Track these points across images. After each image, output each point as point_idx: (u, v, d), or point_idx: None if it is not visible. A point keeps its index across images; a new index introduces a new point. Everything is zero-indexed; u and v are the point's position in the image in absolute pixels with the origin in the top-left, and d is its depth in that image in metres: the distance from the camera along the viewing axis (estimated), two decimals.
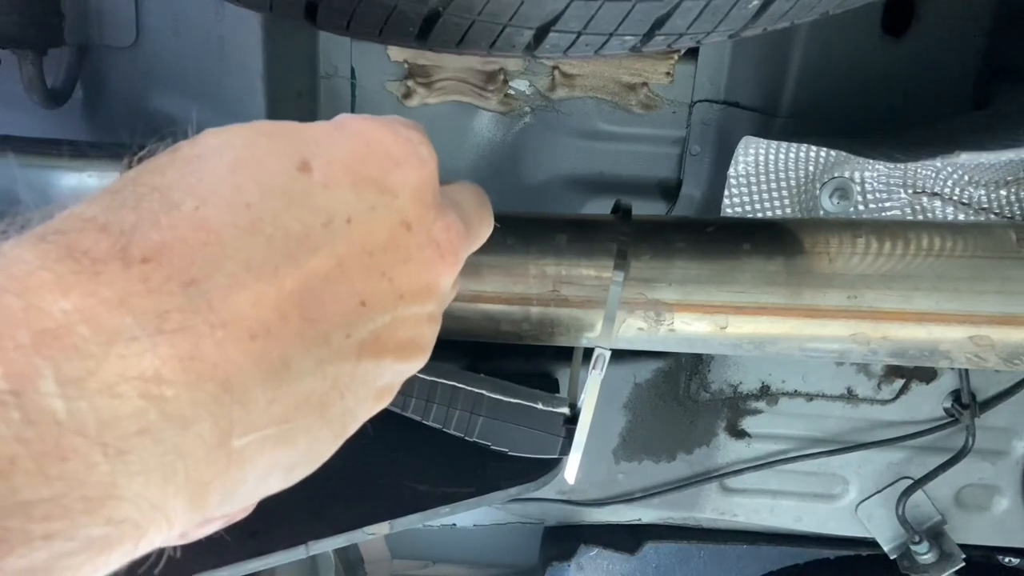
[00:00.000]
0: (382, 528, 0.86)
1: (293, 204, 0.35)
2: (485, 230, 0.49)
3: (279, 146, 0.37)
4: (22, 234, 0.30)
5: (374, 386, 0.38)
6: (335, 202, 0.36)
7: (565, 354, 0.76)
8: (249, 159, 0.35)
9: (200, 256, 0.31)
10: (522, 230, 0.65)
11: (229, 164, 0.35)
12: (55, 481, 0.25)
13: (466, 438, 0.72)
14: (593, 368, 0.60)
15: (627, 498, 1.17)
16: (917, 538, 1.12)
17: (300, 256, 0.34)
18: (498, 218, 0.67)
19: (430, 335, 0.42)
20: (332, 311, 0.35)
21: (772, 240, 0.64)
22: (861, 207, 0.88)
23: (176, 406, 0.28)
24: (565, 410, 0.67)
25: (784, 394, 1.09)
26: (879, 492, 1.14)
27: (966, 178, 0.85)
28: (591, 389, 0.60)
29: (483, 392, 0.70)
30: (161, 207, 0.32)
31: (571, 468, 0.62)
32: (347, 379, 0.36)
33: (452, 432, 0.72)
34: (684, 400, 1.10)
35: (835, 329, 0.62)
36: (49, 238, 0.29)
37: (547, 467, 0.89)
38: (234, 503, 0.33)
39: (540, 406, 0.68)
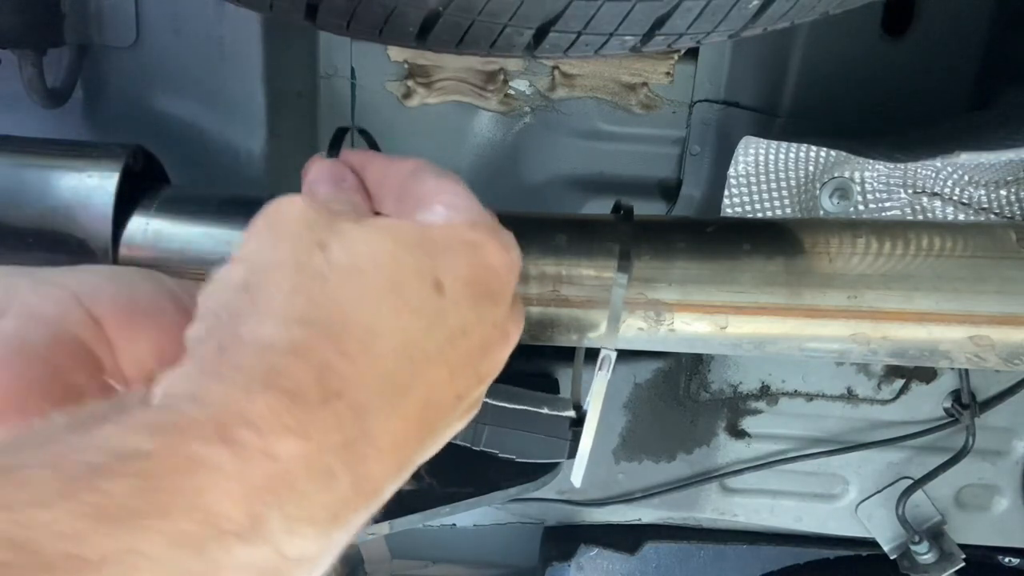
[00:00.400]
0: (382, 528, 0.86)
1: (432, 326, 0.41)
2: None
3: (418, 264, 0.42)
4: (239, 356, 0.35)
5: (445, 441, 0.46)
6: (459, 320, 0.42)
7: (565, 354, 0.76)
8: (399, 280, 0.40)
9: (371, 388, 0.37)
10: (522, 230, 0.65)
11: (385, 286, 0.40)
12: None
13: (473, 447, 0.72)
14: (599, 369, 0.60)
15: (627, 498, 1.17)
16: (917, 538, 1.12)
17: (429, 373, 0.40)
18: (498, 218, 0.67)
19: (489, 384, 0.49)
20: (441, 414, 0.42)
21: (772, 240, 0.64)
22: (861, 207, 0.88)
23: (349, 523, 0.35)
24: (571, 413, 0.66)
25: (784, 394, 1.09)
26: (879, 492, 1.14)
27: (966, 178, 0.85)
28: (597, 391, 0.60)
29: (487, 399, 0.70)
30: (346, 335, 0.37)
31: (578, 471, 0.62)
32: (434, 451, 0.44)
33: (459, 443, 0.71)
34: (684, 400, 1.11)
35: (835, 329, 0.62)
36: (275, 381, 0.34)
37: (547, 467, 0.89)
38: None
39: (545, 411, 0.68)
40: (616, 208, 0.66)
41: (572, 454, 0.65)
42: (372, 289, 0.39)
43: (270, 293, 0.38)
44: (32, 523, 0.27)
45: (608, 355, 0.58)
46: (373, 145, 0.61)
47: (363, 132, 0.60)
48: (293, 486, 0.32)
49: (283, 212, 0.42)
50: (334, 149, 0.54)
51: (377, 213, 0.51)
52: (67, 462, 0.29)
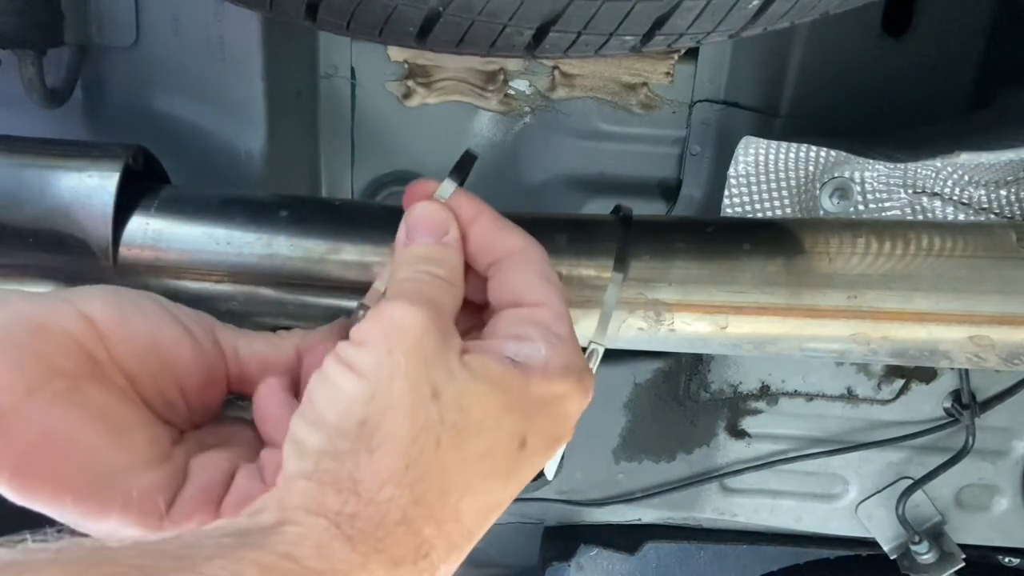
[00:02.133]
0: None
1: (510, 482, 0.46)
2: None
3: (514, 428, 0.45)
4: (356, 526, 0.40)
5: None
6: (530, 469, 0.47)
7: None
8: (496, 444, 0.44)
9: (451, 546, 0.42)
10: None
11: (483, 451, 0.44)
12: None
13: None
14: (587, 362, 0.59)
15: (627, 498, 1.17)
16: (917, 538, 1.12)
17: (495, 509, 0.46)
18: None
19: None
20: (492, 520, 0.47)
21: (772, 240, 0.64)
22: (861, 207, 0.88)
23: None
24: None
25: (784, 394, 1.09)
26: (879, 492, 1.14)
27: (966, 178, 0.85)
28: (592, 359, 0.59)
29: None
30: (439, 502, 0.42)
31: (550, 464, 0.61)
32: None
33: None
34: (684, 400, 1.11)
35: (835, 329, 0.62)
36: (384, 549, 0.40)
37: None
38: None
39: None
40: (616, 211, 0.66)
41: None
42: (473, 454, 0.43)
43: (388, 447, 0.41)
44: None
45: (596, 349, 0.58)
46: (467, 166, 0.56)
47: (469, 153, 0.57)
48: None
49: (405, 331, 0.44)
50: (459, 173, 0.53)
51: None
52: None
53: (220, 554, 0.35)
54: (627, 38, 0.56)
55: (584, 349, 0.61)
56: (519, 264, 0.51)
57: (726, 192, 0.88)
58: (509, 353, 0.47)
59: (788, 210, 0.89)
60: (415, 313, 0.44)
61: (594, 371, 0.57)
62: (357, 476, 0.41)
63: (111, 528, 0.44)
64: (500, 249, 0.52)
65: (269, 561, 0.36)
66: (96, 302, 0.47)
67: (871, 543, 1.18)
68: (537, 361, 0.47)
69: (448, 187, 0.53)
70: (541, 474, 0.93)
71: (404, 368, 0.43)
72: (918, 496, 1.13)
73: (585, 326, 0.62)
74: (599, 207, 1.11)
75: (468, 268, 0.53)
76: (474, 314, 0.54)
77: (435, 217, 0.52)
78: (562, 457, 0.60)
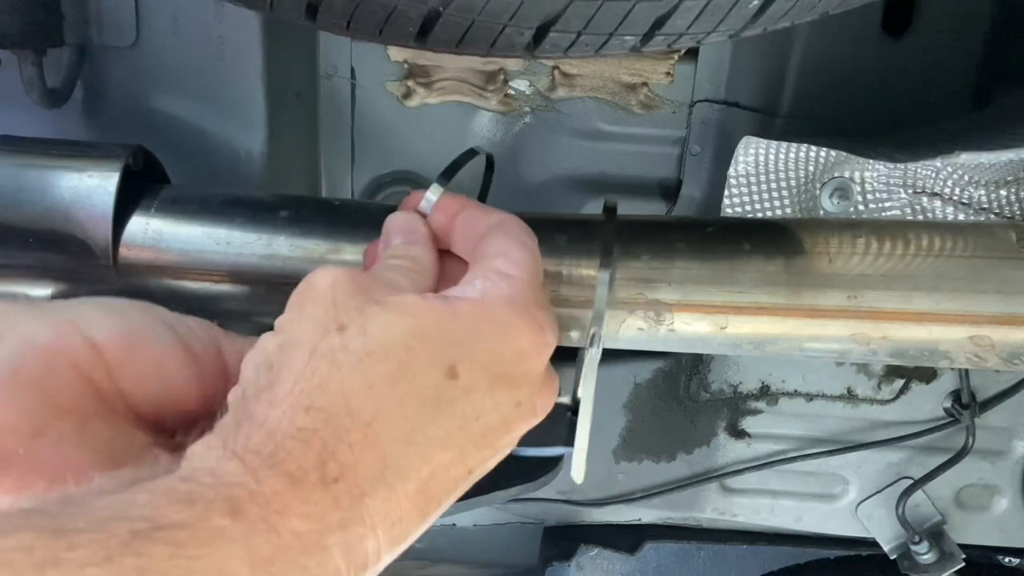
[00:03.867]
0: None
1: (440, 413, 0.43)
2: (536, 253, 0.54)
3: (432, 352, 0.44)
4: (250, 435, 0.39)
5: None
6: (472, 405, 0.44)
7: (565, 353, 0.76)
8: (408, 368, 0.43)
9: (370, 472, 0.40)
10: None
11: (393, 371, 0.42)
12: None
13: None
14: (589, 346, 0.59)
15: (627, 498, 1.17)
16: (917, 538, 1.12)
17: (436, 456, 0.43)
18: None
19: (509, 450, 0.51)
20: (448, 488, 0.44)
21: (772, 240, 0.63)
22: (861, 207, 0.88)
23: None
24: (566, 399, 0.66)
25: (784, 394, 1.09)
26: (879, 492, 1.14)
27: (966, 178, 0.85)
28: (588, 369, 0.59)
29: None
30: (347, 422, 0.40)
31: (577, 464, 0.61)
32: (440, 513, 0.46)
33: None
34: (684, 400, 1.10)
35: (835, 329, 0.62)
36: (281, 463, 0.38)
37: (547, 467, 0.88)
38: None
39: None
40: (604, 208, 0.66)
41: (570, 440, 0.64)
42: (379, 377, 0.42)
43: (285, 375, 0.42)
44: None
45: (597, 331, 0.58)
46: (491, 166, 0.62)
47: (488, 156, 0.62)
48: (295, 560, 0.36)
49: (315, 285, 0.45)
50: (447, 176, 0.56)
51: (443, 251, 0.54)
52: (111, 527, 0.33)
53: (114, 489, 0.36)
54: (627, 38, 0.56)
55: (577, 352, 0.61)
56: (492, 231, 0.52)
57: (726, 192, 0.88)
58: (443, 292, 0.48)
59: (788, 210, 0.89)
60: (328, 268, 0.46)
61: (597, 356, 0.57)
62: (254, 407, 0.41)
63: None
64: (481, 228, 0.53)
65: (162, 486, 0.36)
66: (103, 328, 0.47)
67: (871, 543, 1.18)
68: (470, 294, 0.47)
69: (435, 190, 0.56)
70: (557, 466, 0.92)
71: (310, 312, 0.44)
72: (918, 496, 1.13)
73: (587, 326, 0.62)
74: (599, 207, 1.11)
75: (459, 262, 0.55)
76: None
77: (402, 221, 0.55)
78: (585, 456, 0.59)
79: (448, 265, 0.55)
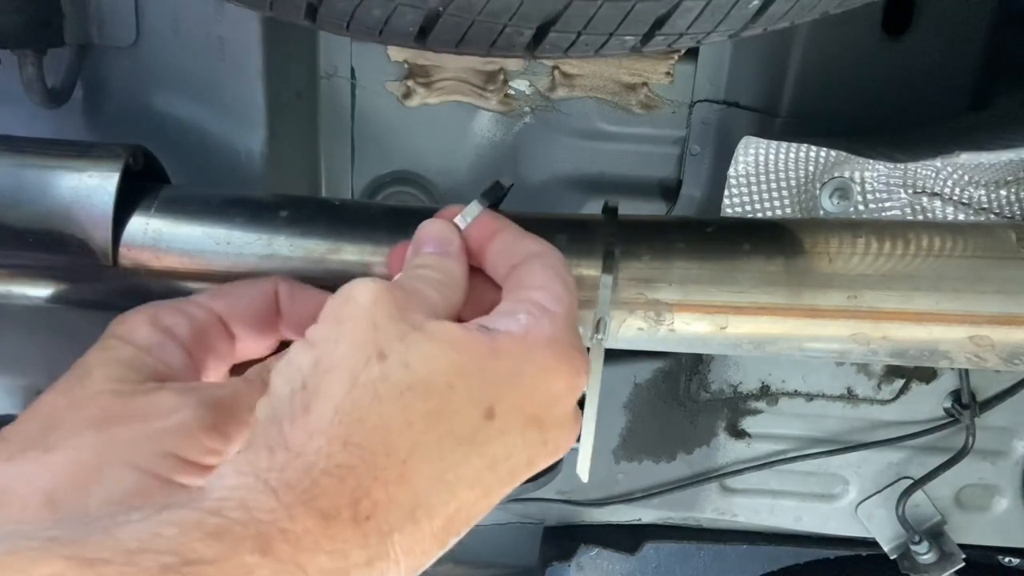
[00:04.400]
0: None
1: (473, 453, 0.43)
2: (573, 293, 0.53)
3: (473, 392, 0.43)
4: (283, 466, 0.39)
5: None
6: (504, 447, 0.44)
7: None
8: (447, 407, 0.42)
9: (400, 512, 0.40)
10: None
11: (433, 410, 0.42)
12: None
13: None
14: (595, 333, 0.59)
15: (627, 498, 1.16)
16: (917, 538, 1.12)
17: (463, 494, 0.43)
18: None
19: None
20: (467, 522, 0.44)
21: (772, 240, 0.63)
22: (861, 207, 0.88)
23: None
24: None
25: (784, 394, 1.09)
26: (879, 492, 1.14)
27: (966, 178, 0.85)
28: (594, 357, 0.58)
29: None
30: (383, 460, 0.40)
31: (583, 461, 0.61)
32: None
33: None
34: (684, 400, 1.10)
35: (835, 329, 0.62)
36: (313, 500, 0.38)
37: (549, 466, 0.88)
38: None
39: None
40: (604, 209, 0.66)
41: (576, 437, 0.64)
42: (419, 414, 0.41)
43: (323, 403, 0.41)
44: None
45: (604, 318, 0.57)
46: (496, 192, 0.59)
47: (499, 183, 0.60)
48: None
49: (355, 301, 0.44)
50: (487, 198, 0.55)
51: (474, 268, 0.53)
52: (140, 560, 0.33)
53: (142, 518, 0.35)
54: (627, 38, 0.56)
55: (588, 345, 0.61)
56: (532, 261, 0.51)
57: (726, 192, 0.88)
58: (483, 321, 0.47)
59: (788, 210, 0.89)
60: (369, 284, 0.45)
61: (603, 345, 0.57)
62: (289, 433, 0.40)
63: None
64: (519, 255, 0.52)
65: (191, 518, 0.35)
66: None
67: (871, 543, 1.18)
68: (513, 328, 0.46)
69: (474, 208, 0.55)
70: (557, 465, 0.91)
71: (350, 332, 0.43)
72: (918, 496, 1.13)
73: (588, 326, 0.62)
74: (599, 207, 1.11)
75: (487, 281, 0.54)
76: None
77: (438, 230, 0.53)
78: (590, 455, 0.59)
79: (477, 284, 0.54)
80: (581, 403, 0.61)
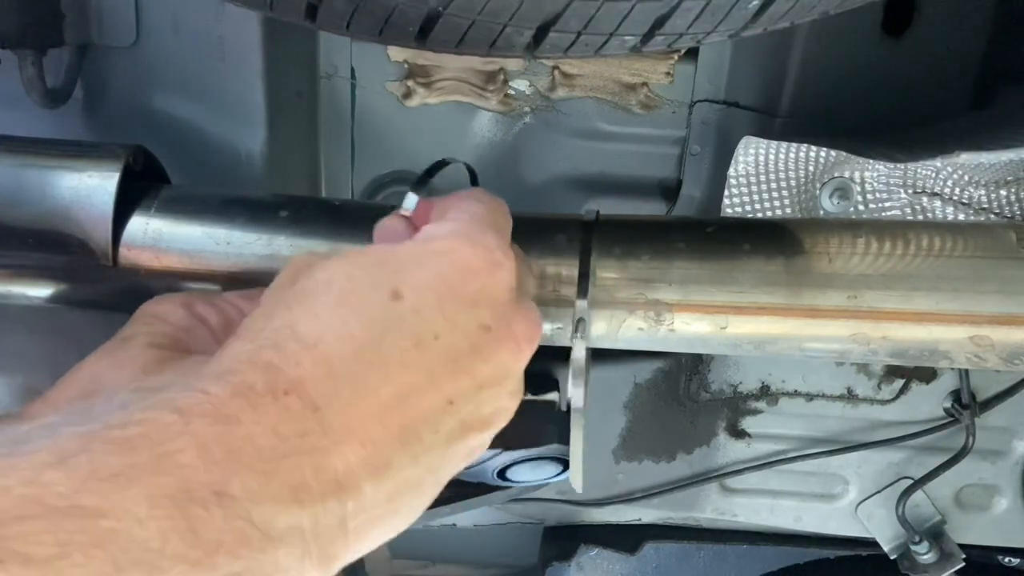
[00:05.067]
0: None
1: (388, 331, 0.43)
2: (508, 227, 0.55)
3: (374, 278, 0.45)
4: (206, 369, 0.41)
5: (463, 456, 0.48)
6: (423, 324, 0.44)
7: (566, 354, 0.76)
8: (350, 293, 0.44)
9: (321, 386, 0.41)
10: (522, 230, 0.65)
11: (336, 299, 0.44)
12: (242, 560, 0.36)
13: None
14: (575, 333, 0.59)
15: (627, 498, 1.16)
16: (917, 538, 1.12)
17: (395, 375, 0.43)
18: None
19: (511, 404, 0.50)
20: (424, 414, 0.44)
21: (772, 240, 0.64)
22: (861, 207, 0.88)
23: (311, 506, 0.38)
24: (554, 396, 0.66)
25: (784, 394, 1.09)
26: (879, 492, 1.14)
27: (966, 178, 0.85)
28: (576, 360, 0.58)
29: None
30: (293, 345, 0.42)
31: (574, 469, 0.61)
32: (438, 462, 0.45)
33: None
34: (684, 400, 1.10)
35: (835, 329, 0.62)
36: (228, 378, 0.40)
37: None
38: (352, 559, 0.43)
39: (528, 396, 0.67)
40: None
41: (565, 439, 0.63)
42: (322, 304, 0.44)
43: (244, 326, 0.45)
44: (46, 482, 0.33)
45: (583, 316, 0.57)
46: (474, 177, 0.64)
47: (467, 166, 0.65)
48: (250, 464, 0.37)
49: (285, 267, 0.49)
50: (421, 183, 0.58)
51: None
52: (62, 431, 0.36)
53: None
54: (627, 38, 0.56)
55: (596, 353, 0.61)
56: (447, 201, 0.54)
57: (726, 192, 0.88)
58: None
59: (788, 210, 0.89)
60: (308, 254, 0.50)
61: (583, 345, 0.57)
62: (224, 350, 0.44)
63: None
64: (451, 202, 0.54)
65: (143, 405, 0.38)
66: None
67: (871, 543, 1.18)
68: (416, 238, 0.49)
69: (411, 198, 0.57)
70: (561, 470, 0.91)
71: (282, 277, 0.48)
72: (918, 496, 1.13)
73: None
74: (599, 207, 1.11)
75: None
76: None
77: (388, 224, 0.57)
78: (580, 463, 0.59)
79: None
80: (568, 409, 0.61)
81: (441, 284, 0.46)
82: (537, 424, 0.67)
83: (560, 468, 0.69)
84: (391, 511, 0.43)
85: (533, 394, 0.66)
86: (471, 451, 0.48)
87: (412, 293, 0.45)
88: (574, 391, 0.58)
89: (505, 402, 0.49)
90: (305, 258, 0.48)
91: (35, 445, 0.34)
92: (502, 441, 0.59)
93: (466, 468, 0.49)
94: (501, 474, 0.67)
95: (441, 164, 0.60)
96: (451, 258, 0.47)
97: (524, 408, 0.67)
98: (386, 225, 0.56)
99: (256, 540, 0.36)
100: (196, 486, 0.35)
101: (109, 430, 0.36)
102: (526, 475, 0.69)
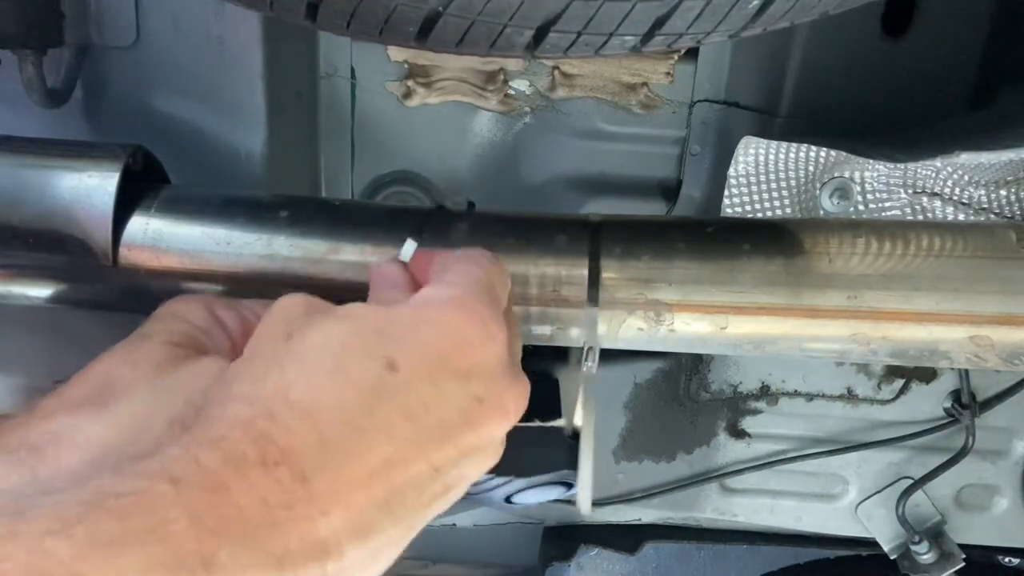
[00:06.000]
0: None
1: (381, 402, 0.44)
2: (506, 292, 0.55)
3: (369, 347, 0.45)
4: (199, 432, 0.41)
5: (441, 508, 0.49)
6: (415, 396, 0.45)
7: (565, 354, 0.76)
8: (345, 360, 0.45)
9: (311, 455, 0.41)
10: (522, 230, 0.65)
11: (331, 365, 0.44)
12: None
13: None
14: (585, 360, 0.59)
15: (627, 498, 1.16)
16: (917, 538, 1.12)
17: (385, 445, 0.43)
18: (498, 218, 0.67)
19: (492, 460, 0.51)
20: (410, 481, 0.45)
21: (772, 240, 0.64)
22: (861, 207, 0.88)
23: (292, 570, 0.39)
24: (561, 422, 0.66)
25: (784, 394, 1.09)
26: (879, 492, 1.14)
27: (966, 178, 0.85)
28: (584, 390, 0.59)
29: None
30: (286, 413, 0.42)
31: (583, 493, 0.61)
32: (421, 518, 0.47)
33: None
34: (684, 400, 1.10)
35: (835, 329, 0.62)
36: (222, 445, 0.40)
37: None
38: None
39: (536, 423, 0.67)
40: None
41: (574, 463, 0.64)
42: (317, 371, 0.44)
43: (235, 382, 0.45)
44: (48, 550, 0.34)
45: (593, 347, 0.58)
46: (429, 222, 0.64)
47: (470, 204, 0.66)
48: (238, 534, 0.38)
49: (276, 308, 0.49)
50: (418, 231, 0.60)
51: None
52: (66, 499, 0.36)
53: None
54: (627, 38, 0.56)
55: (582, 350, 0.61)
56: (456, 259, 0.54)
57: (726, 192, 0.88)
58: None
59: (788, 210, 0.89)
60: (289, 295, 0.49)
61: (592, 371, 0.57)
62: (208, 411, 0.43)
63: None
64: (449, 261, 0.55)
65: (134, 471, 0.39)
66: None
67: (871, 543, 1.18)
68: (415, 299, 0.50)
69: (409, 245, 0.59)
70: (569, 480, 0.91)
71: (265, 330, 0.47)
72: (918, 496, 1.13)
73: (587, 326, 0.62)
74: (599, 207, 1.11)
75: None
76: None
77: (386, 270, 0.57)
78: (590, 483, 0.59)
79: None
80: (575, 434, 0.61)
81: (435, 356, 0.46)
82: (547, 451, 0.68)
83: (564, 489, 0.69)
84: (370, 566, 0.44)
85: (541, 421, 0.66)
86: (449, 503, 0.50)
87: (406, 365, 0.45)
88: (584, 420, 0.59)
89: (488, 459, 0.50)
90: (299, 303, 0.48)
91: (38, 512, 0.35)
92: (515, 469, 0.60)
93: (474, 495, 0.49)
94: (508, 499, 0.68)
95: (441, 209, 0.62)
96: (446, 329, 0.47)
97: (535, 436, 0.67)
98: (384, 271, 0.57)
99: None
100: (187, 554, 0.36)
101: (107, 498, 0.36)
102: (532, 498, 0.69)
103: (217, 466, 0.39)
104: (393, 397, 0.44)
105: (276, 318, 0.48)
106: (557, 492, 0.69)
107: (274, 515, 0.39)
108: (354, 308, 0.48)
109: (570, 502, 1.19)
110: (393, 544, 0.45)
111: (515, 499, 0.68)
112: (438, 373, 0.46)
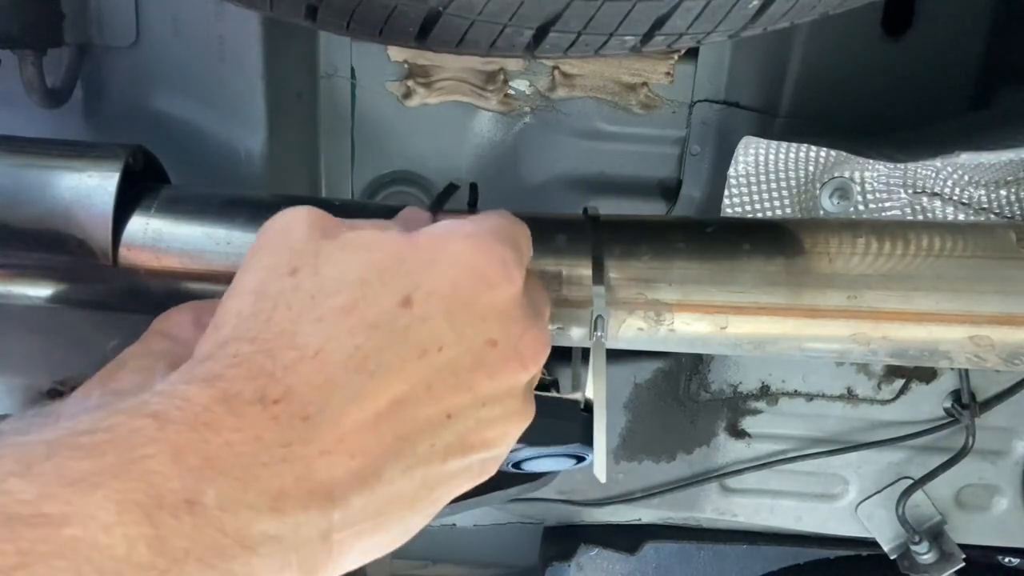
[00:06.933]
0: None
1: (394, 340, 0.41)
2: (527, 250, 0.53)
3: (386, 282, 0.43)
4: (188, 370, 0.39)
5: (463, 475, 0.45)
6: (430, 334, 0.42)
7: (565, 354, 0.76)
8: (360, 300, 0.42)
9: (315, 395, 0.39)
10: None
11: (344, 305, 0.42)
12: (215, 570, 0.34)
13: None
14: (594, 330, 0.59)
15: (627, 498, 1.17)
16: (917, 538, 1.12)
17: (395, 386, 0.41)
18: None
19: (516, 425, 0.48)
20: (420, 426, 0.42)
21: (772, 240, 0.63)
22: (861, 207, 0.88)
23: (291, 515, 0.36)
24: (577, 396, 0.66)
25: (784, 394, 1.09)
26: (879, 492, 1.14)
27: (966, 178, 0.85)
28: (596, 357, 0.58)
29: None
30: (291, 354, 0.40)
31: (599, 460, 0.61)
32: (435, 478, 0.43)
33: None
34: (684, 400, 1.10)
35: (835, 329, 0.62)
36: (216, 383, 0.38)
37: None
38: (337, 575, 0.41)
39: (553, 393, 0.66)
40: (585, 213, 0.67)
41: (587, 439, 0.64)
42: (330, 310, 0.41)
43: (228, 318, 0.42)
44: (10, 490, 0.32)
45: (601, 315, 0.58)
46: (475, 196, 0.64)
47: (472, 185, 0.64)
48: (226, 471, 0.35)
49: (276, 228, 0.46)
50: (438, 204, 0.58)
51: None
52: (31, 440, 0.34)
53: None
54: (627, 38, 0.56)
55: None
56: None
57: (726, 192, 0.88)
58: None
59: (788, 210, 0.89)
60: (287, 210, 0.46)
61: (604, 344, 0.57)
62: (203, 347, 0.42)
63: None
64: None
65: (116, 409, 0.36)
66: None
67: (871, 543, 1.18)
68: (433, 230, 0.47)
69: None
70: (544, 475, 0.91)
71: (263, 261, 0.44)
72: (918, 496, 1.13)
73: (587, 326, 0.62)
74: (599, 207, 1.11)
75: None
76: None
77: (411, 213, 0.56)
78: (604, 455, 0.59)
79: None
80: (587, 406, 0.61)
81: (452, 292, 0.44)
82: (561, 423, 0.67)
83: (575, 461, 0.69)
84: (380, 526, 0.41)
85: (556, 391, 0.66)
86: (472, 472, 0.46)
87: (422, 300, 0.43)
88: (596, 389, 0.59)
89: (509, 424, 0.47)
90: (303, 223, 0.45)
91: (0, 453, 0.33)
92: (525, 437, 0.60)
93: None
94: (517, 464, 0.67)
95: (452, 188, 0.60)
96: (466, 264, 0.45)
97: (551, 406, 0.67)
98: (410, 214, 0.55)
99: (229, 549, 0.34)
100: (166, 492, 0.33)
101: (76, 436, 0.34)
102: (542, 467, 0.69)
103: (207, 402, 0.36)
104: (405, 334, 0.42)
105: (278, 245, 0.45)
106: (567, 464, 0.69)
107: (269, 452, 0.36)
108: (369, 235, 0.45)
109: (562, 501, 1.19)
110: (405, 504, 0.42)
111: (524, 466, 0.69)
112: (454, 311, 0.43)
